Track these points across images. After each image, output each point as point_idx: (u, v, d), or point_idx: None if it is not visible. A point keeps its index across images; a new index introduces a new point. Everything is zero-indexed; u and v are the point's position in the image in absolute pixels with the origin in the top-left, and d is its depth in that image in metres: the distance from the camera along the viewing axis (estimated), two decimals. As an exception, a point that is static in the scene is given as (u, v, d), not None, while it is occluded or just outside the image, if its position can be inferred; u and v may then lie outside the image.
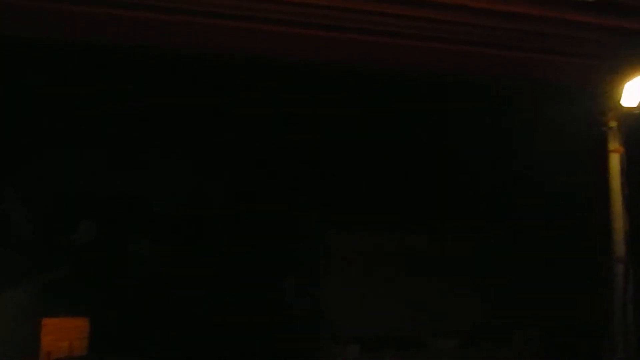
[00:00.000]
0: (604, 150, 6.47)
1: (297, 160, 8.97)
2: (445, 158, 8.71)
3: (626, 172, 6.47)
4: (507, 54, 6.03)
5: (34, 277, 7.20)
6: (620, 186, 6.42)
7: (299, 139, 8.66)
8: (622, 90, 6.27)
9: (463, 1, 5.24)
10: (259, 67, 7.22)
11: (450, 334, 8.37)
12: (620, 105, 6.33)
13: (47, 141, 7.91)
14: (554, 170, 7.70)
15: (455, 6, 5.32)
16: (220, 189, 8.98)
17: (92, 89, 7.76)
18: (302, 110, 8.35)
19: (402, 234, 8.61)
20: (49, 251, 7.84)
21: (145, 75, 7.76)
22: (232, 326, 8.11)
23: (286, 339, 8.28)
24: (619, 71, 6.29)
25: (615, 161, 6.46)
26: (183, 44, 6.02)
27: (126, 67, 7.45)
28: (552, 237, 8.21)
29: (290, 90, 7.98)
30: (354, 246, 8.49)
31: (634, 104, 6.29)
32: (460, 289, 8.50)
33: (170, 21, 5.54)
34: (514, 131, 8.26)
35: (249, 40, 5.76)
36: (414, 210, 8.50)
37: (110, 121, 8.14)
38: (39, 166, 7.86)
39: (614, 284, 6.35)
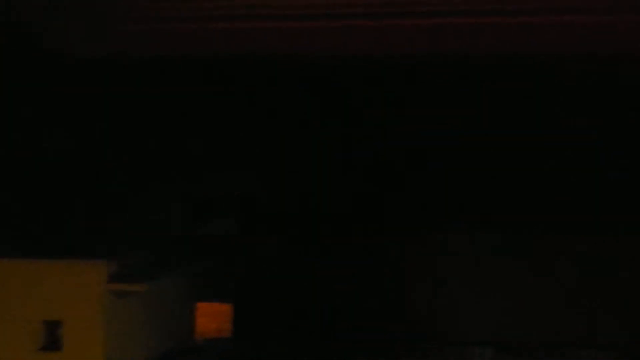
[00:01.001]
0: None
1: (422, 157, 8.99)
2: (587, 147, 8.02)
3: None
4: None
5: (190, 265, 8.03)
6: None
7: (422, 135, 8.68)
8: None
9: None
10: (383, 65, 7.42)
11: (600, 347, 7.68)
12: None
13: (197, 147, 8.81)
14: None
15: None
16: (346, 188, 9.28)
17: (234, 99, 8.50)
18: (428, 107, 8.38)
19: (546, 234, 8.09)
20: (200, 243, 8.72)
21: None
22: (364, 324, 8.41)
23: (415, 339, 8.37)
24: None
25: None
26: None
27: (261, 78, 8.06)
28: None
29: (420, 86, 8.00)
30: (489, 246, 8.27)
31: None
32: (619, 298, 7.70)
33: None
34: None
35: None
36: (557, 207, 8.01)
37: (246, 128, 8.83)
38: (190, 168, 8.79)
39: None
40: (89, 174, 7.80)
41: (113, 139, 8.04)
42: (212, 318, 8.64)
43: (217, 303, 8.73)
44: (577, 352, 7.64)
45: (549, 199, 8.14)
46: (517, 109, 8.13)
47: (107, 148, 8.03)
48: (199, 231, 9.01)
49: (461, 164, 8.62)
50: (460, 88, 8.08)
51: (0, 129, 7.06)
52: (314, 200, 9.31)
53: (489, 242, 8.21)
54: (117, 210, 7.92)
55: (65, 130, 7.65)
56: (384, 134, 8.90)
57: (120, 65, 6.69)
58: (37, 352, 6.08)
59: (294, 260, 9.02)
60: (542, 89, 7.88)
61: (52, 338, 6.15)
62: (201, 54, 6.09)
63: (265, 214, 9.34)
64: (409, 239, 8.73)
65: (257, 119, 8.77)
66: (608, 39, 5.61)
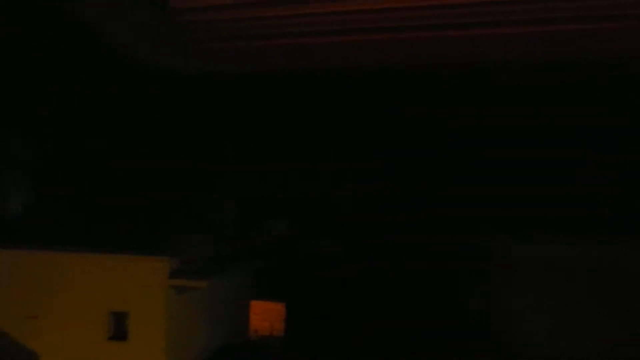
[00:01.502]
0: None
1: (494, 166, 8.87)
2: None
3: None
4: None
5: (246, 264, 8.33)
6: None
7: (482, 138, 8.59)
8: None
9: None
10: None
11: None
12: None
13: (256, 152, 9.18)
14: None
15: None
16: (400, 191, 9.31)
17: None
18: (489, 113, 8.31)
19: (608, 247, 7.71)
20: (256, 243, 9.02)
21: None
22: (416, 327, 8.41)
23: (469, 344, 8.28)
24: None
25: None
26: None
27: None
28: None
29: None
30: (552, 259, 7.92)
31: None
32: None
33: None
34: None
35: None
36: (619, 219, 7.79)
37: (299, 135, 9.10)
38: (247, 175, 9.16)
39: None
40: (156, 178, 8.27)
41: (181, 144, 8.52)
42: (266, 316, 8.89)
43: (271, 302, 8.96)
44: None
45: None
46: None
47: (174, 153, 8.51)
48: (255, 232, 9.33)
49: (518, 170, 8.50)
50: (525, 93, 8.04)
51: (88, 134, 7.70)
52: (366, 202, 9.44)
53: (548, 256, 7.85)
54: (180, 211, 8.33)
55: (143, 136, 8.20)
56: (440, 137, 8.96)
57: (202, 78, 7.17)
58: (106, 341, 6.48)
59: (345, 262, 9.19)
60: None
61: (119, 328, 6.54)
62: (273, 68, 6.45)
63: (318, 216, 9.56)
64: (463, 243, 8.63)
65: (312, 125, 9.03)
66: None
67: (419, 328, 8.48)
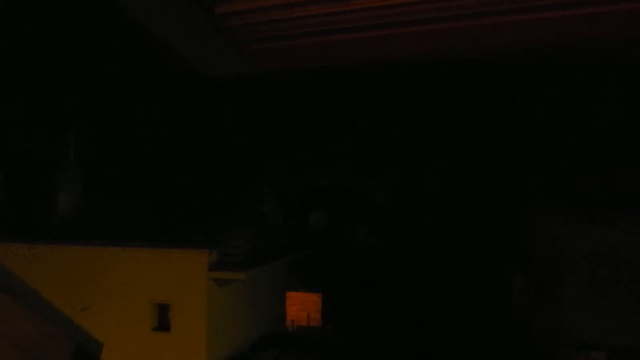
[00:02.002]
0: None
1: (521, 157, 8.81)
2: None
3: None
4: None
5: (283, 256, 8.45)
6: None
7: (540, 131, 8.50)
8: None
9: None
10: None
11: None
12: None
13: (291, 150, 9.31)
14: None
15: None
16: (442, 186, 9.28)
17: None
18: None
19: None
20: (293, 235, 9.16)
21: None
22: (459, 321, 8.46)
23: (523, 340, 8.23)
24: None
25: None
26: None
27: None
28: None
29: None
30: (601, 247, 7.84)
31: None
32: None
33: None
34: None
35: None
36: None
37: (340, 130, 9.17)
38: (288, 165, 9.30)
39: None
40: (196, 173, 8.49)
41: (222, 139, 8.73)
42: (303, 307, 9.04)
43: (307, 293, 9.10)
44: None
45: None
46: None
47: (216, 148, 8.72)
48: (293, 224, 9.46)
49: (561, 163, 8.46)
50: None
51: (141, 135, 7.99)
52: (406, 196, 9.47)
53: (598, 244, 7.78)
54: (220, 204, 8.51)
55: (186, 132, 8.44)
56: (478, 132, 8.89)
57: (246, 80, 7.33)
58: (151, 332, 6.70)
59: (382, 254, 9.25)
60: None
61: (163, 319, 6.75)
62: (316, 65, 6.51)
63: (357, 209, 9.64)
64: (507, 238, 8.56)
65: (351, 119, 9.10)
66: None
67: (455, 317, 8.50)
